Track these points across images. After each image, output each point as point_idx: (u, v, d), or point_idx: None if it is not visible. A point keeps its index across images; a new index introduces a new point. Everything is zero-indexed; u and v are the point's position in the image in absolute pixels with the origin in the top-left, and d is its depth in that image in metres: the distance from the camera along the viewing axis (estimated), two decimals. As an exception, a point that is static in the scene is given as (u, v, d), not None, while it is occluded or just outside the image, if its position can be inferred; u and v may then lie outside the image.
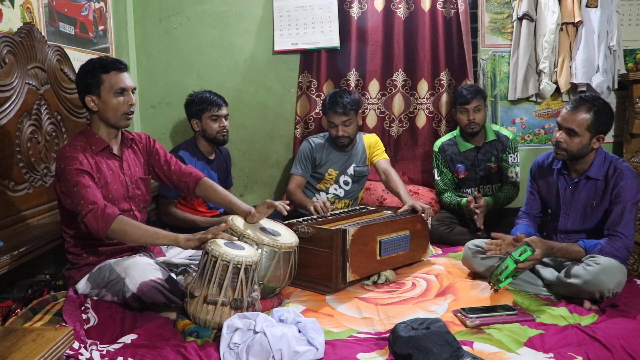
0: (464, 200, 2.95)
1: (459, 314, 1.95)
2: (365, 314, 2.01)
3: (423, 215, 2.58)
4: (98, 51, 2.86)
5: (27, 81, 2.12)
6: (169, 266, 2.19)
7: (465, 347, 1.66)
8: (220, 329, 1.72)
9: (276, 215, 2.28)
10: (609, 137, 3.39)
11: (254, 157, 3.53)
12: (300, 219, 2.49)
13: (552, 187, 2.35)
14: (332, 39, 3.30)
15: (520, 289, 2.17)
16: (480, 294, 2.14)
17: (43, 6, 2.35)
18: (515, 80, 3.36)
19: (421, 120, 3.43)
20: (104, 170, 2.00)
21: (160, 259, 2.23)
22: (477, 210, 2.84)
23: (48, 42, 2.31)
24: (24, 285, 2.04)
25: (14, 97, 2.04)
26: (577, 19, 3.23)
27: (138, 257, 2.04)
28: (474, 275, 2.34)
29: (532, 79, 3.34)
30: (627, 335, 1.71)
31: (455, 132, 3.16)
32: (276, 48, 3.36)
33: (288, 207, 2.17)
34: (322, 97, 3.30)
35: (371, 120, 3.44)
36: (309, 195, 3.03)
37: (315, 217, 2.55)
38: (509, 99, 3.42)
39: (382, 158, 3.03)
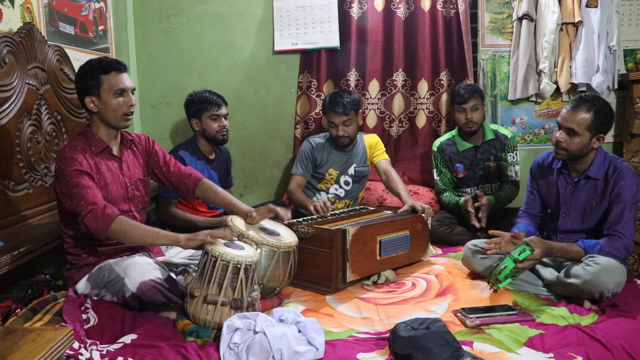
0: (462, 199, 2.95)
1: (459, 314, 1.95)
2: (365, 314, 2.01)
3: (423, 215, 2.58)
4: (98, 51, 2.86)
5: (27, 81, 2.13)
6: (168, 266, 2.19)
7: (465, 347, 1.66)
8: (220, 329, 1.72)
9: (276, 219, 2.28)
10: (609, 137, 3.39)
11: (254, 157, 3.53)
12: (300, 219, 2.49)
13: (552, 186, 2.35)
14: (332, 39, 3.30)
15: (520, 289, 2.17)
16: (480, 294, 2.14)
17: (43, 6, 2.35)
18: (515, 80, 3.35)
19: (421, 120, 3.42)
20: (104, 171, 1.99)
21: (160, 258, 2.22)
22: (480, 209, 2.85)
23: (48, 42, 2.31)
24: (24, 285, 2.04)
25: (14, 97, 2.04)
26: (577, 19, 3.23)
27: (137, 257, 2.04)
28: (474, 275, 2.34)
29: (532, 79, 3.34)
30: (627, 335, 1.71)
31: (454, 132, 3.16)
32: (276, 48, 3.36)
33: (290, 216, 2.18)
34: (322, 97, 3.30)
35: (371, 120, 3.44)
36: (310, 195, 3.03)
37: (315, 217, 2.55)
38: (509, 99, 3.42)
39: (382, 158, 3.03)
